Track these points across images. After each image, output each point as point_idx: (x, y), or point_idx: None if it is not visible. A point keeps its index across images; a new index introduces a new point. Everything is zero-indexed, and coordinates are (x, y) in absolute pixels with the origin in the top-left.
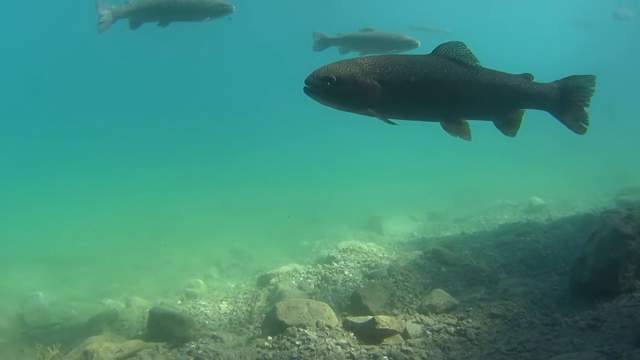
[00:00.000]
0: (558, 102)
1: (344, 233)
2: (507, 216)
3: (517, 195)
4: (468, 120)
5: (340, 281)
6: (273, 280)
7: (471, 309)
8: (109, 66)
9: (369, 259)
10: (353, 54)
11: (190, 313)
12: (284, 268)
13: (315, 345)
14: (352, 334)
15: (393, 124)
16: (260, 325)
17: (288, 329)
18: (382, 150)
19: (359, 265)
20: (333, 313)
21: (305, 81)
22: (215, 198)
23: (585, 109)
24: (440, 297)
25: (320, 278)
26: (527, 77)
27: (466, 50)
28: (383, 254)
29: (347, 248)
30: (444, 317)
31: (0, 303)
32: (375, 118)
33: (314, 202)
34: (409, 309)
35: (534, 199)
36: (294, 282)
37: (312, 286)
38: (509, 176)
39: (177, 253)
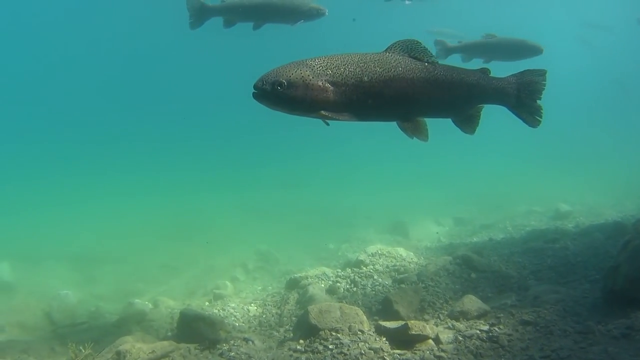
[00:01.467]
0: (515, 97)
1: (370, 237)
2: (534, 222)
3: (543, 201)
4: (425, 119)
5: (369, 285)
6: (302, 284)
7: (502, 315)
8: (148, 69)
9: (397, 263)
10: (477, 63)
11: (219, 315)
12: (313, 271)
13: (348, 350)
14: (384, 339)
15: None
16: (290, 328)
17: (320, 332)
18: (405, 155)
19: (387, 269)
20: (365, 317)
21: (254, 86)
22: (240, 200)
23: (539, 102)
24: (472, 303)
25: (349, 282)
26: (485, 72)
27: (421, 47)
28: (412, 258)
29: (375, 252)
30: (475, 323)
31: (28, 300)
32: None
33: (340, 206)
34: (440, 315)
35: (560, 206)
36: (323, 285)
37: (342, 290)
38: (533, 182)
39: (202, 254)
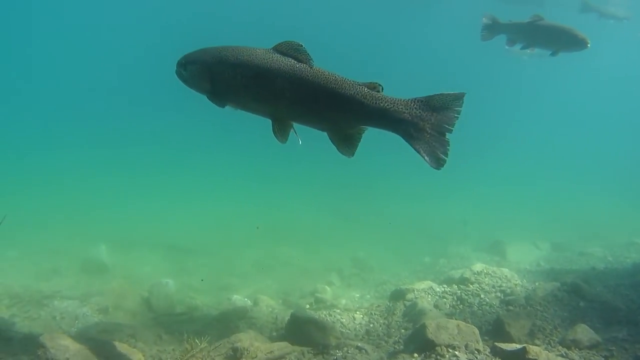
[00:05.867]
0: (413, 126)
1: (468, 254)
2: (635, 255)
3: None
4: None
5: (476, 304)
6: (409, 296)
7: (614, 348)
8: None
9: (503, 284)
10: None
11: (328, 320)
12: (419, 285)
13: None
14: None
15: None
16: (400, 340)
17: (437, 348)
18: (499, 174)
19: (493, 289)
20: (480, 337)
21: None
22: (331, 206)
23: (448, 135)
24: (584, 332)
25: (455, 299)
26: (374, 87)
27: (303, 49)
28: (517, 280)
29: (481, 271)
30: (588, 353)
31: (125, 284)
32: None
33: (431, 219)
34: (551, 341)
35: None
36: (429, 299)
37: (448, 306)
38: (630, 213)
39: (295, 256)
